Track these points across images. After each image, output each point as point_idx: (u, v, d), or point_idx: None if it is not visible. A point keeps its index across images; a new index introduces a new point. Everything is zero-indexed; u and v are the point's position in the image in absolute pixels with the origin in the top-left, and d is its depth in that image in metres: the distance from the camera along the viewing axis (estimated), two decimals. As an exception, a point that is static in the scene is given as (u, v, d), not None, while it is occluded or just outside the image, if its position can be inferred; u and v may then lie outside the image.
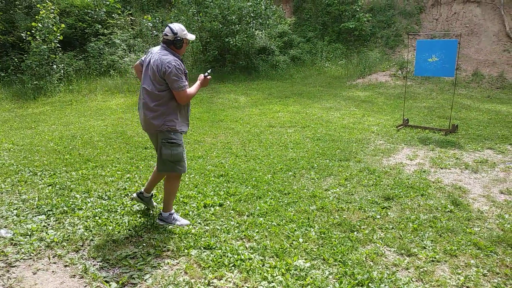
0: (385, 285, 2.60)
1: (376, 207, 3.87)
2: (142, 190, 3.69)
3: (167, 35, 3.19)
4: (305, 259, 2.93)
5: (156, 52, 3.20)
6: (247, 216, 3.66)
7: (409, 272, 2.80)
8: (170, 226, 3.41)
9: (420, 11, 16.77)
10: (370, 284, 2.61)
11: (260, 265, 2.83)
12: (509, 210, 3.84)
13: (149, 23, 14.95)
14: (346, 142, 6.34)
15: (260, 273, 2.73)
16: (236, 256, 2.93)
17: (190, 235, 3.27)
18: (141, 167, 5.09)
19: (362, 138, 6.60)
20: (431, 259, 2.95)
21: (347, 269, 2.78)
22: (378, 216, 3.67)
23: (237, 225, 3.48)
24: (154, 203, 3.83)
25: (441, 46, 6.75)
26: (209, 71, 3.56)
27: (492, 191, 4.34)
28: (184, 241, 3.17)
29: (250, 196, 4.13)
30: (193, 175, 4.78)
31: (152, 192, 3.72)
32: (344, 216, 3.66)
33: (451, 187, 4.44)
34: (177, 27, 3.19)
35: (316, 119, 8.09)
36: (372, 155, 5.65)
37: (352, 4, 16.87)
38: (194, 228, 3.42)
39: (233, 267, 2.82)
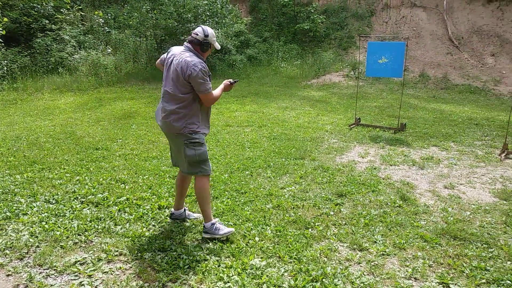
0: (339, 280, 2.68)
1: (329, 204, 3.97)
2: (173, 210, 3.53)
3: (198, 35, 3.05)
4: (261, 257, 2.95)
5: (180, 53, 3.06)
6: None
7: (361, 266, 2.90)
8: (215, 236, 3.17)
9: (371, 14, 17.42)
10: (324, 280, 2.67)
11: (216, 266, 2.81)
12: (452, 204, 4.08)
13: (101, 19, 14.41)
14: (301, 141, 6.45)
15: (216, 274, 2.71)
16: (191, 258, 2.90)
17: (144, 238, 3.18)
18: (92, 169, 4.89)
19: (316, 137, 6.75)
20: (381, 253, 3.08)
21: (302, 266, 2.83)
22: (332, 213, 3.77)
23: (193, 226, 3.43)
24: (193, 214, 3.61)
25: (390, 48, 7.05)
26: (236, 80, 3.43)
27: (437, 186, 4.59)
28: (138, 244, 3.09)
29: (206, 196, 4.09)
30: (147, 176, 4.66)
31: (184, 207, 3.55)
32: (299, 214, 3.72)
33: (400, 183, 4.65)
34: (210, 30, 3.09)
35: (272, 119, 8.17)
36: (326, 153, 5.79)
37: (307, 6, 17.21)
38: (148, 230, 3.33)
39: (188, 269, 2.78)
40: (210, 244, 3.12)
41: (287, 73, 14.99)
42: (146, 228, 3.38)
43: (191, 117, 3.06)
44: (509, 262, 2.96)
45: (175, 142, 3.20)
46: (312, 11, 16.92)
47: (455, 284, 2.70)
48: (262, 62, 16.05)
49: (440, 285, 2.68)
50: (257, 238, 3.22)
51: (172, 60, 3.07)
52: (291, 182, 4.58)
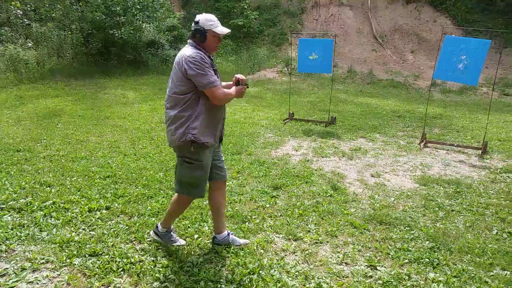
0: (275, 271, 2.75)
1: (266, 197, 4.05)
2: (214, 234, 3.08)
3: (192, 25, 2.71)
4: (199, 254, 2.93)
5: (182, 50, 2.69)
6: (137, 217, 3.52)
7: (296, 255, 3.01)
8: (160, 241, 3.04)
9: (302, 12, 17.96)
10: (260, 272, 2.73)
11: (152, 266, 2.75)
12: (378, 191, 4.37)
13: (19, 11, 13.25)
14: (238, 136, 6.49)
15: (152, 275, 2.65)
16: (125, 260, 2.80)
17: (73, 243, 3.01)
18: (12, 173, 4.51)
19: (252, 132, 6.84)
20: (315, 241, 3.21)
21: (239, 260, 2.86)
22: (268, 205, 3.85)
23: (127, 227, 3.32)
24: (239, 240, 3.12)
25: (320, 45, 7.34)
26: (247, 85, 2.91)
27: (364, 175, 4.88)
28: (66, 250, 2.91)
29: (141, 196, 3.97)
30: (75, 178, 4.40)
31: (226, 230, 3.11)
32: (236, 208, 3.75)
33: (331, 173, 4.88)
34: (203, 16, 2.68)
35: (208, 115, 8.11)
36: (262, 148, 5.89)
37: (240, 2, 17.28)
38: (78, 235, 3.16)
39: (122, 272, 2.68)
40: (145, 244, 3.04)
41: (222, 68, 14.96)
42: (76, 232, 3.20)
43: (193, 121, 2.60)
44: (427, 242, 3.24)
45: (176, 154, 2.80)
46: (246, 7, 17.03)
47: (382, 266, 2.90)
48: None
49: (369, 268, 2.86)
50: (195, 236, 3.20)
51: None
52: (229, 177, 4.59)
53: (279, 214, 3.69)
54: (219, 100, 2.62)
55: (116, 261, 2.79)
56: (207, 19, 2.66)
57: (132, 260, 2.81)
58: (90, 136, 6.22)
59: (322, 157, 5.58)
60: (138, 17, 13.63)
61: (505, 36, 15.23)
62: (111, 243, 3.04)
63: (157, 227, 3.06)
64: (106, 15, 12.84)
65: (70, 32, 13.73)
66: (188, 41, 2.73)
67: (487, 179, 4.83)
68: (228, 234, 3.06)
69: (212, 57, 2.72)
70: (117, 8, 12.81)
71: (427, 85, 13.15)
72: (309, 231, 3.38)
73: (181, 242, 3.08)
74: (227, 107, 8.80)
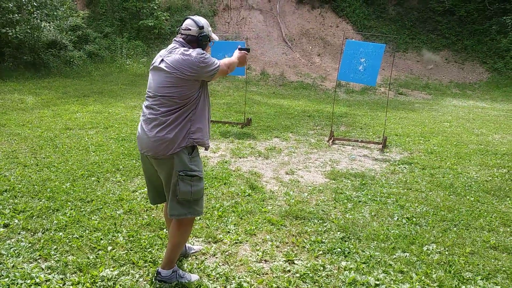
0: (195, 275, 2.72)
1: (184, 202, 3.98)
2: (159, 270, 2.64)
3: (190, 29, 2.47)
4: (113, 267, 2.77)
5: (171, 50, 2.45)
6: (41, 233, 3.21)
7: (216, 257, 3.00)
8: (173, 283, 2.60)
9: (214, 14, 18.03)
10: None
11: (61, 285, 2.53)
12: (293, 188, 4.56)
13: None
14: (152, 140, 6.28)
15: (61, 294, 2.45)
16: (29, 281, 2.54)
17: (-37, 269, 2.65)
18: None
19: (168, 135, 6.66)
20: (234, 241, 3.24)
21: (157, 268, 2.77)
22: (186, 210, 3.79)
23: (30, 245, 3.01)
24: (193, 247, 3.02)
25: (232, 47, 7.39)
26: (248, 48, 2.85)
27: (280, 173, 5.06)
28: (-46, 278, 2.55)
29: (45, 210, 3.63)
30: (-36, 195, 3.88)
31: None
32: (153, 215, 3.63)
33: (249, 173, 4.97)
34: (203, 20, 2.53)
35: (120, 119, 7.73)
36: (178, 152, 5.77)
37: (149, 2, 16.75)
38: (-31, 259, 2.78)
39: (25, 295, 2.43)
40: (52, 262, 2.79)
41: (133, 70, 14.38)
42: (-34, 257, 2.82)
43: (195, 123, 2.42)
44: (339, 233, 3.47)
45: (164, 171, 2.46)
46: (156, 7, 16.55)
47: (299, 259, 3.03)
48: (104, 59, 14.99)
49: (287, 263, 2.97)
50: (109, 248, 3.02)
51: (160, 62, 2.43)
52: (143, 184, 4.42)
53: (198, 218, 3.65)
54: (224, 72, 2.58)
55: (17, 283, 2.52)
56: (207, 23, 2.56)
57: (37, 280, 2.56)
58: (-19, 147, 5.53)
59: (240, 158, 5.66)
60: (35, 15, 12.46)
61: (397, 41, 16.98)
62: (11, 264, 2.73)
63: (159, 273, 2.59)
64: (-5, 11, 11.54)
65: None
66: (176, 40, 2.53)
67: (388, 171, 5.33)
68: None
69: None
70: (9, 4, 11.56)
71: (333, 86, 14.08)
72: (228, 232, 3.40)
73: (193, 277, 2.69)
74: (140, 111, 8.47)
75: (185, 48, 2.44)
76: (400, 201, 4.24)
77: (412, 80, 15.71)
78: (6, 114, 7.62)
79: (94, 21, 16.77)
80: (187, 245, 2.99)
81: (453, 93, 14.64)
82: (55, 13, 13.29)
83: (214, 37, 2.62)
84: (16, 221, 3.39)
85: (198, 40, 2.51)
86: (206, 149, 2.60)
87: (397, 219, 3.81)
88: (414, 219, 3.81)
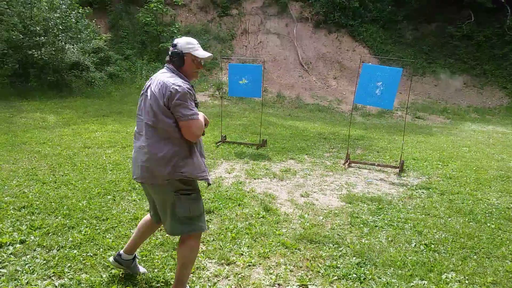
0: (207, 297, 2.68)
1: (198, 222, 3.97)
2: (121, 251, 2.82)
3: (169, 49, 2.48)
4: (126, 286, 2.77)
5: (159, 75, 2.43)
6: (57, 250, 3.24)
7: (229, 280, 2.97)
8: None
9: (232, 38, 18.41)
10: (193, 299, 2.64)
11: (73, 303, 2.53)
12: (308, 210, 4.51)
13: None
14: (168, 160, 6.33)
15: (73, 312, 2.44)
16: (42, 299, 2.55)
17: (-21, 284, 2.68)
18: None
19: (183, 155, 6.72)
20: (247, 264, 3.20)
21: (170, 288, 2.75)
22: (200, 230, 3.77)
23: (44, 262, 3.03)
24: (141, 268, 2.96)
25: (249, 70, 7.55)
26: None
27: (294, 195, 5.02)
28: (-30, 293, 2.58)
29: (61, 227, 3.67)
30: (-16, 211, 3.96)
31: (135, 253, 2.88)
32: (166, 235, 3.63)
33: (263, 195, 4.95)
34: (182, 39, 2.48)
35: (137, 139, 7.84)
36: (193, 172, 5.80)
37: (170, 26, 17.25)
38: (-15, 274, 2.82)
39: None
40: (65, 279, 2.80)
41: (152, 92, 14.67)
42: (-18, 272, 2.85)
43: (182, 158, 2.34)
44: (354, 258, 3.39)
45: (159, 195, 2.46)
46: (175, 31, 17.01)
47: (313, 284, 2.96)
48: (124, 80, 15.39)
49: None
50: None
51: (149, 87, 2.42)
52: (158, 203, 4.44)
53: (212, 239, 3.63)
54: (193, 135, 2.33)
55: (31, 300, 2.53)
56: (186, 42, 2.46)
57: (50, 298, 2.57)
58: (3, 163, 5.67)
59: (254, 179, 5.64)
60: (60, 37, 12.94)
61: (414, 66, 16.94)
62: (26, 281, 2.76)
63: None
64: (24, 34, 12.02)
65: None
66: (165, 65, 2.53)
67: (405, 196, 5.23)
68: (134, 258, 2.88)
69: (193, 87, 2.45)
70: (37, 28, 12.06)
71: (349, 109, 14.05)
72: (242, 254, 3.36)
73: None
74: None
75: (173, 74, 2.41)
76: (418, 227, 4.13)
77: (430, 104, 15.57)
78: (27, 132, 7.83)
79: (116, 43, 17.32)
80: (137, 263, 2.91)
81: (472, 117, 14.42)
82: (79, 36, 13.79)
83: (200, 54, 2.48)
84: (32, 237, 3.43)
85: (171, 58, 2.46)
86: (208, 185, 2.52)
87: (415, 245, 3.71)
88: (432, 245, 3.70)
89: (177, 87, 2.27)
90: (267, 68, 16.63)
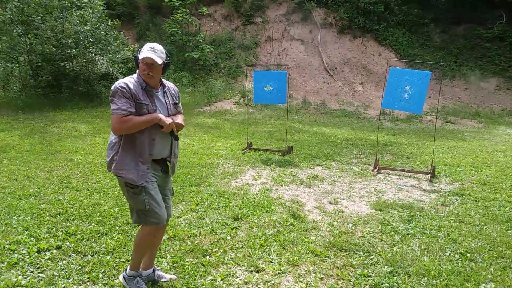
0: (238, 304, 2.68)
1: (226, 229, 3.99)
2: (140, 270, 2.88)
3: None
4: (158, 292, 2.81)
5: None
6: (91, 256, 3.33)
7: (258, 287, 2.96)
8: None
9: (256, 46, 18.53)
10: (224, 306, 2.65)
11: (108, 308, 2.59)
12: (337, 218, 4.45)
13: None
14: (196, 167, 6.42)
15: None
16: (78, 303, 2.62)
17: (19, 288, 2.78)
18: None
19: (211, 162, 6.79)
20: (277, 271, 3.18)
21: (201, 295, 2.77)
22: (229, 237, 3.79)
23: (79, 267, 3.12)
24: (169, 275, 3.02)
25: (274, 77, 7.57)
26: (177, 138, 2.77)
27: (323, 202, 4.97)
28: (11, 297, 2.68)
29: (95, 233, 3.77)
30: (22, 217, 4.12)
31: (154, 265, 3.00)
32: (196, 242, 3.66)
33: (290, 202, 4.92)
34: (146, 45, 2.61)
35: (165, 147, 7.99)
36: (221, 178, 5.85)
37: (195, 35, 17.55)
38: (25, 278, 2.92)
39: (75, 316, 2.50)
40: (100, 285, 2.86)
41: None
42: (23, 276, 2.96)
43: (116, 152, 2.59)
44: (386, 266, 3.31)
45: (120, 186, 2.75)
46: (201, 40, 17.30)
47: (344, 292, 2.91)
48: (152, 90, 15.73)
49: (331, 295, 2.87)
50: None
51: None
52: (188, 210, 4.50)
53: (241, 246, 3.64)
54: (113, 127, 2.50)
55: (68, 305, 2.60)
56: (144, 47, 2.61)
57: (86, 302, 2.63)
58: (39, 171, 5.89)
59: (281, 186, 5.63)
60: (91, 49, 13.40)
61: (443, 69, 16.52)
62: (62, 285, 2.84)
63: (126, 272, 2.83)
64: (56, 47, 12.52)
65: (17, 65, 13.21)
66: None
67: (438, 202, 5.08)
68: (154, 270, 2.95)
69: (150, 87, 2.62)
70: (69, 40, 12.55)
71: (377, 114, 13.83)
72: (271, 262, 3.35)
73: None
74: (185, 139, 8.73)
75: (131, 75, 2.66)
76: (452, 235, 4.00)
77: (461, 108, 15.12)
78: (61, 141, 8.12)
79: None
80: (159, 272, 2.98)
81: (506, 121, 13.89)
82: (108, 47, 14.25)
83: (140, 56, 2.57)
84: (68, 243, 3.54)
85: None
86: (127, 184, 2.60)
87: (450, 254, 3.59)
88: (468, 254, 3.57)
89: (114, 85, 2.54)
90: (292, 74, 16.62)
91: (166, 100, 2.73)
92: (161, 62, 2.59)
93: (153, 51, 2.56)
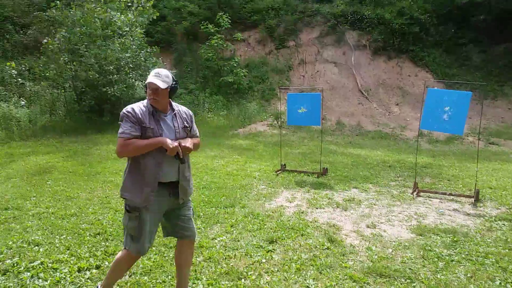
0: (274, 329, 2.62)
1: (261, 251, 3.95)
2: None
3: None
4: (194, 314, 2.79)
5: None
6: (128, 276, 3.38)
7: (295, 312, 2.88)
8: None
9: (289, 69, 18.70)
10: (260, 331, 2.59)
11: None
12: (376, 242, 4.30)
13: (13, 71, 13.56)
14: (230, 188, 6.45)
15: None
16: (116, 323, 2.64)
17: (61, 306, 2.86)
18: (-2, 232, 4.36)
19: (245, 184, 6.80)
20: (314, 296, 3.09)
21: (236, 319, 2.73)
22: (264, 260, 3.74)
23: (117, 287, 3.17)
24: None
25: (308, 99, 7.58)
26: (183, 160, 2.74)
27: (360, 226, 4.83)
28: (53, 314, 2.75)
29: (132, 253, 3.83)
30: (64, 236, 4.27)
31: None
32: (231, 264, 3.64)
33: (326, 225, 4.81)
34: (152, 71, 2.71)
35: (201, 168, 8.11)
36: (255, 200, 5.84)
37: (230, 60, 17.97)
38: (66, 296, 3.00)
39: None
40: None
41: (214, 123, 15.19)
42: (63, 294, 3.04)
43: (125, 177, 2.72)
44: (429, 294, 3.15)
45: None
46: (235, 65, 17.67)
47: (385, 320, 2.78)
48: (188, 113, 16.14)
49: (371, 324, 2.74)
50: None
51: None
52: (222, 232, 4.50)
53: (276, 269, 3.58)
54: (117, 150, 2.61)
55: (106, 324, 2.63)
56: (152, 72, 2.69)
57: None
58: (80, 192, 6.12)
59: (317, 208, 5.53)
60: (131, 75, 14.00)
61: (484, 89, 15.94)
62: (102, 305, 2.89)
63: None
64: (99, 73, 13.18)
65: (63, 90, 13.98)
66: None
67: (483, 227, 4.81)
68: None
69: (158, 111, 2.69)
70: (110, 67, 13.18)
71: (414, 136, 13.44)
72: (307, 287, 3.26)
73: None
74: (220, 160, 8.82)
75: (142, 101, 2.73)
76: (501, 263, 3.76)
77: (504, 129, 14.42)
78: (102, 163, 8.42)
79: (180, 78, 18.33)
80: None
81: (555, 142, 13.10)
82: (147, 73, 14.81)
83: (148, 80, 2.63)
84: (107, 263, 3.61)
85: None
86: (127, 206, 2.70)
87: (500, 283, 3.36)
88: (520, 284, 3.33)
89: (122, 110, 2.63)
90: (325, 96, 16.57)
91: (175, 124, 2.75)
92: (166, 87, 2.63)
93: (157, 76, 2.63)
